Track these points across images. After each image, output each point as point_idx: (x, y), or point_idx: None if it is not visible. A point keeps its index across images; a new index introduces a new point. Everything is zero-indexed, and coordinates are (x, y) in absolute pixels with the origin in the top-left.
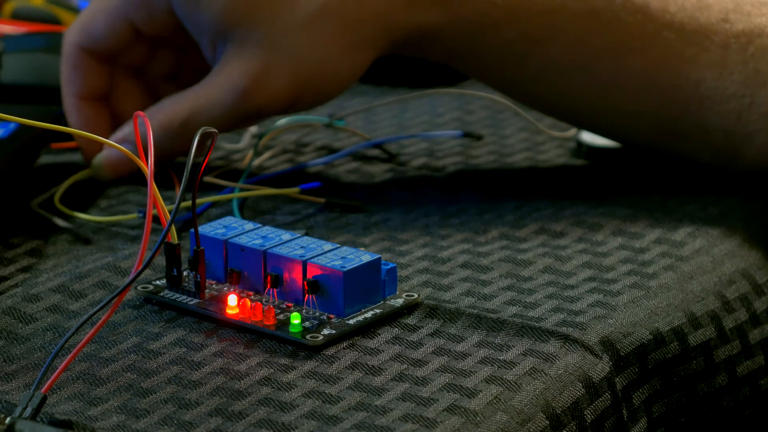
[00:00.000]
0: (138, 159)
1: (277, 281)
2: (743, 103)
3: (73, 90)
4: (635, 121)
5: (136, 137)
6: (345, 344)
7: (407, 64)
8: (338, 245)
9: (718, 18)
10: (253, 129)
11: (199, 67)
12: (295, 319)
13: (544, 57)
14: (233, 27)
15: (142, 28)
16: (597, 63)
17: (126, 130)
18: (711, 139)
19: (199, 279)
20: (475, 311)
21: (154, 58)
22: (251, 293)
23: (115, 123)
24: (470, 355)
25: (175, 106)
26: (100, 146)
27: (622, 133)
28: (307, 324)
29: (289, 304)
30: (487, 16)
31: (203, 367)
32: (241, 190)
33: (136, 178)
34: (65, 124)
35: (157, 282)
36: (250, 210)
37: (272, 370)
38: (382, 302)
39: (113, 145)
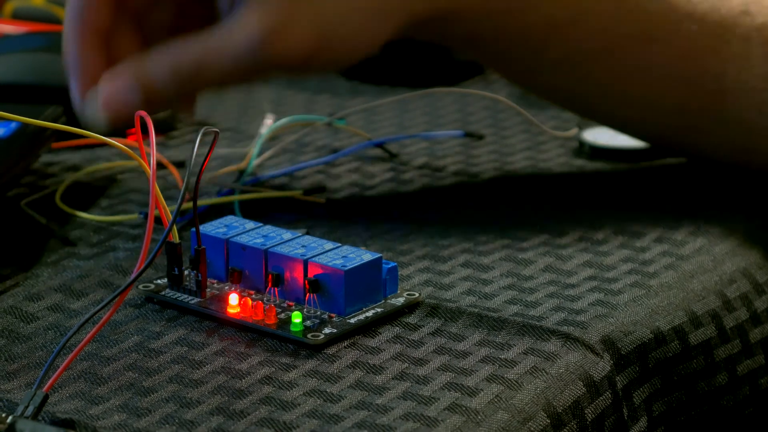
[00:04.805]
0: (140, 159)
1: (279, 280)
2: (764, 98)
3: (78, 22)
4: (654, 114)
5: (137, 137)
6: (346, 343)
7: (408, 63)
8: (339, 244)
9: (738, 10)
10: (268, 121)
11: (200, 23)
12: (297, 318)
13: (567, 43)
14: None
15: None
16: (619, 52)
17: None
18: (730, 134)
19: (200, 278)
20: (476, 310)
21: (157, 4)
22: (252, 292)
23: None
24: (471, 354)
25: (186, 49)
26: (89, 86)
27: (639, 127)
28: (308, 323)
29: (290, 303)
30: None
31: (204, 366)
32: (242, 191)
33: (137, 180)
34: (66, 124)
35: (159, 281)
36: (251, 209)
37: (273, 369)
38: (383, 301)
39: (115, 145)
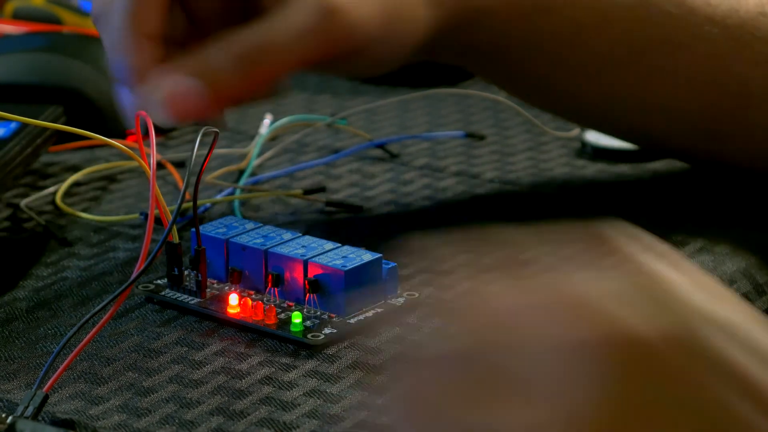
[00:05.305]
0: (140, 159)
1: (278, 280)
2: None
3: (139, 26)
4: (675, 122)
5: (137, 138)
6: (346, 343)
7: (408, 64)
8: (339, 244)
9: (756, 11)
10: (266, 120)
11: (241, 9)
12: (296, 318)
13: (591, 47)
14: None
15: None
16: (642, 56)
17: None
18: (753, 140)
19: (200, 278)
20: None
21: None
22: (252, 292)
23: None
24: None
25: (247, 35)
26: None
27: (659, 135)
28: (308, 323)
29: (290, 304)
30: None
31: (204, 366)
32: (242, 191)
33: (137, 180)
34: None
35: (159, 281)
36: (251, 210)
37: (273, 369)
38: (383, 301)
39: (115, 145)
